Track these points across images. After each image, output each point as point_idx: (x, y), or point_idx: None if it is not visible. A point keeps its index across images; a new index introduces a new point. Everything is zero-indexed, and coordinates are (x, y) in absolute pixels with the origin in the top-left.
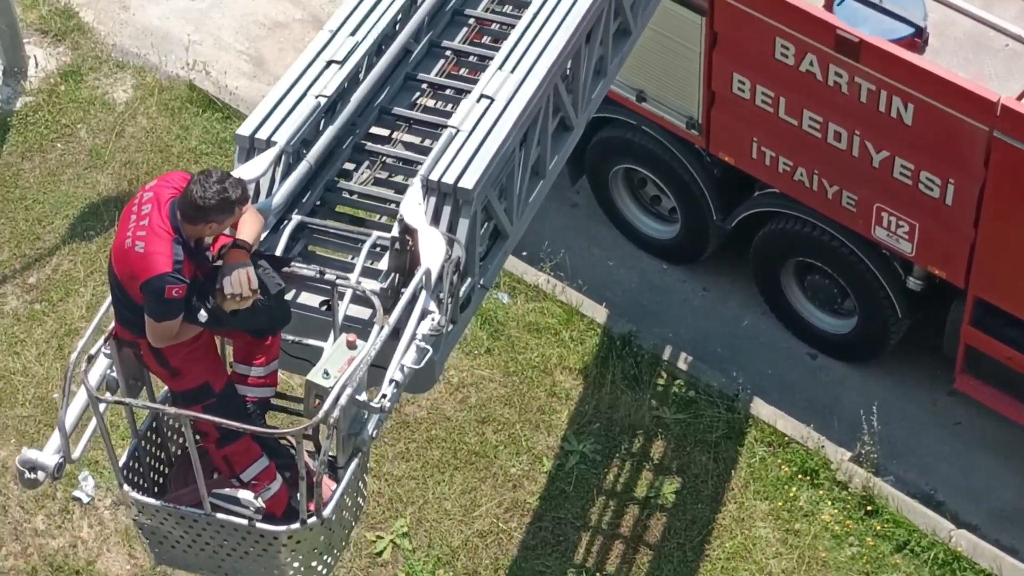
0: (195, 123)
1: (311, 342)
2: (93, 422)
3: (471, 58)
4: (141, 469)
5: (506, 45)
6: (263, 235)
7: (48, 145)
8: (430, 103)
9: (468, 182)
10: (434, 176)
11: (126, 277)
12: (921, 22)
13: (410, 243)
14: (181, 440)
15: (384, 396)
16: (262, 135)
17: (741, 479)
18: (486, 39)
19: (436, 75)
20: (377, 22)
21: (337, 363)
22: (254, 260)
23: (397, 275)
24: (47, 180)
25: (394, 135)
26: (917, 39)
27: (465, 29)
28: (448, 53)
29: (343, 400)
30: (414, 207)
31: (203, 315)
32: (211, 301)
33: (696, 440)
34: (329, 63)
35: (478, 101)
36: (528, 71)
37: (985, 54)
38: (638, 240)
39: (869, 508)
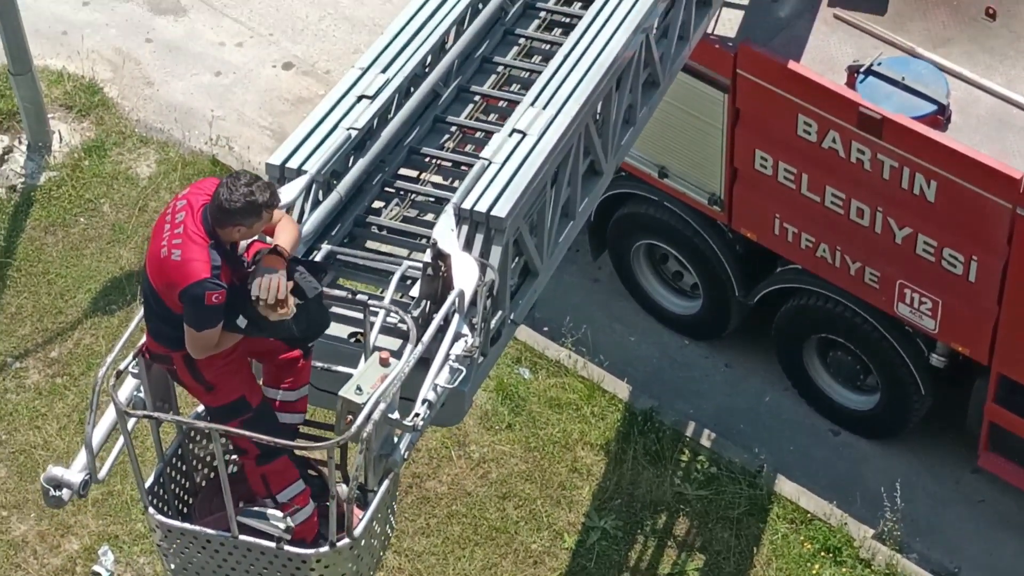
0: None
1: (340, 368)
2: (120, 441)
3: (500, 103)
4: (166, 496)
5: (538, 83)
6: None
7: (71, 219)
8: (459, 146)
9: (501, 211)
10: (467, 205)
11: (163, 287)
12: (943, 99)
13: (442, 269)
14: (206, 470)
15: (417, 415)
16: (292, 164)
17: (764, 556)
18: (515, 87)
19: (465, 119)
20: (407, 62)
21: (370, 380)
22: (291, 266)
23: (428, 302)
24: (70, 254)
25: (423, 175)
26: (940, 116)
27: (494, 76)
28: (477, 98)
29: (376, 415)
30: (447, 233)
31: (242, 320)
32: (250, 308)
33: (718, 517)
34: (360, 98)
35: (510, 135)
36: (560, 108)
37: (1008, 131)
38: (660, 315)
39: None
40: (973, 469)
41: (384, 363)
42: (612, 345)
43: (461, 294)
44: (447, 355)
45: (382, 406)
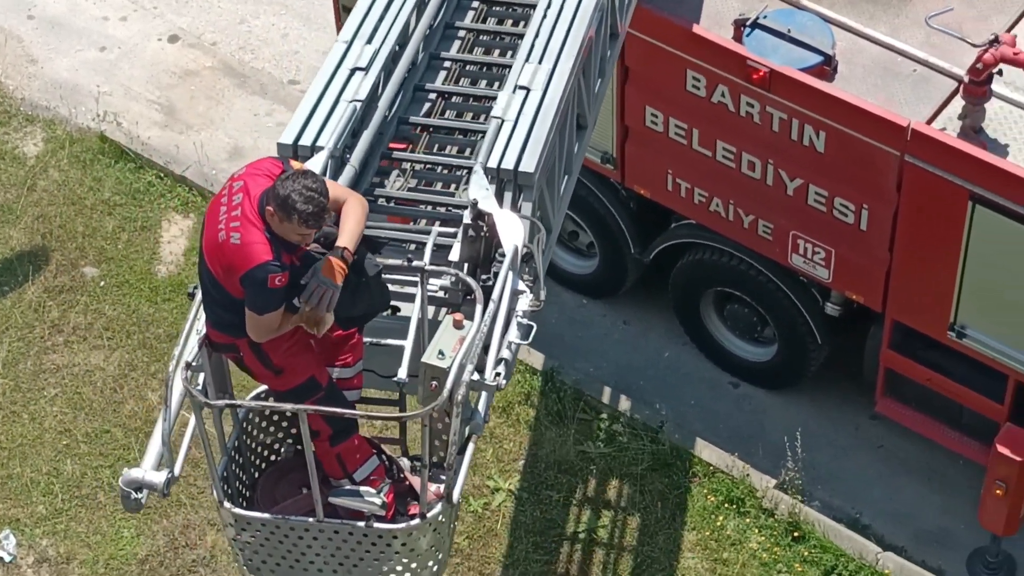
0: (108, 174)
1: (389, 342)
2: (187, 435)
3: (468, 67)
4: (228, 489)
5: (526, 40)
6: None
7: None
8: (442, 114)
9: (529, 166)
10: (492, 163)
11: (223, 272)
12: (829, 50)
13: (483, 229)
14: (260, 461)
15: (498, 374)
16: (305, 141)
17: (668, 510)
18: (478, 51)
19: (441, 85)
20: (390, 31)
21: (449, 344)
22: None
23: (469, 264)
24: None
25: (411, 146)
26: (826, 67)
27: (458, 42)
28: (447, 64)
29: (466, 376)
30: (484, 192)
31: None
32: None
33: (622, 473)
34: (354, 70)
35: (514, 92)
36: (555, 62)
37: (893, 79)
38: (557, 275)
39: (796, 534)
40: (871, 415)
41: (458, 325)
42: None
43: (516, 250)
44: (510, 312)
45: (469, 367)
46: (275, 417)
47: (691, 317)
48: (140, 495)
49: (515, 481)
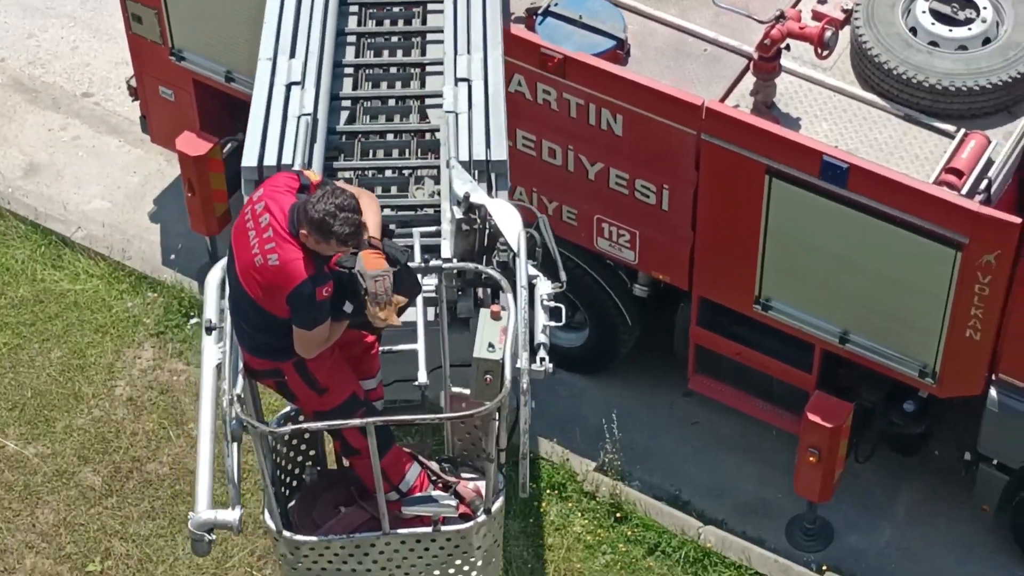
0: None
1: (400, 347)
2: (235, 467)
3: (369, 70)
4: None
5: (447, 34)
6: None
7: None
8: (364, 120)
9: (500, 154)
10: (464, 156)
11: (264, 294)
12: (621, 34)
13: (477, 222)
14: (283, 488)
15: (543, 359)
16: (270, 161)
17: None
18: (370, 55)
19: (352, 92)
20: (308, 43)
21: (494, 335)
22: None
23: (464, 258)
24: None
25: (342, 156)
26: (619, 51)
27: (352, 48)
28: (349, 71)
29: (524, 363)
30: (471, 185)
31: (348, 306)
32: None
33: None
34: (290, 86)
35: (456, 85)
36: (484, 49)
37: (686, 60)
38: None
39: (618, 515)
40: (684, 393)
41: (496, 317)
42: None
43: (520, 236)
44: (538, 297)
45: (524, 354)
46: (295, 441)
47: None
48: (212, 536)
49: None
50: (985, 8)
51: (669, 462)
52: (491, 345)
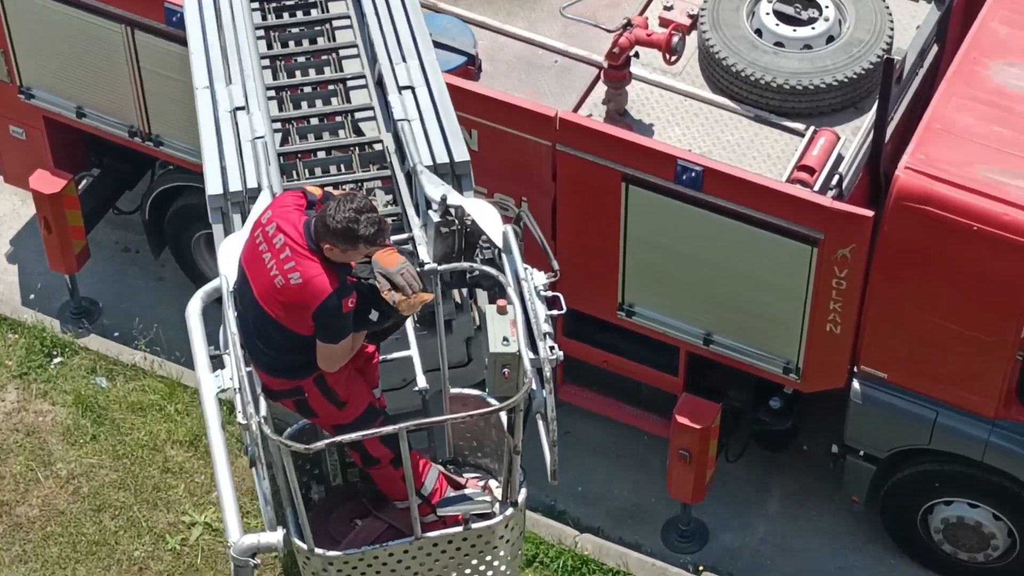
0: None
1: (395, 355)
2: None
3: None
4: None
5: (377, 44)
6: None
7: None
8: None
9: (462, 155)
10: (427, 161)
11: (287, 314)
12: (472, 50)
13: (455, 224)
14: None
15: (552, 347)
16: (235, 187)
17: None
18: (296, 75)
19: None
20: (241, 69)
21: (506, 330)
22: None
23: (444, 259)
24: None
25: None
26: (471, 67)
27: (268, 71)
28: (271, 92)
29: (544, 352)
30: (444, 188)
31: (374, 314)
32: (383, 302)
33: None
34: (235, 111)
35: (401, 92)
36: (418, 56)
37: (537, 72)
38: None
39: None
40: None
41: (503, 311)
42: (186, 340)
43: (506, 233)
44: (526, 291)
45: (541, 344)
46: (299, 461)
47: None
48: (256, 560)
49: (210, 513)
50: (827, 7)
51: (542, 472)
52: (505, 339)
